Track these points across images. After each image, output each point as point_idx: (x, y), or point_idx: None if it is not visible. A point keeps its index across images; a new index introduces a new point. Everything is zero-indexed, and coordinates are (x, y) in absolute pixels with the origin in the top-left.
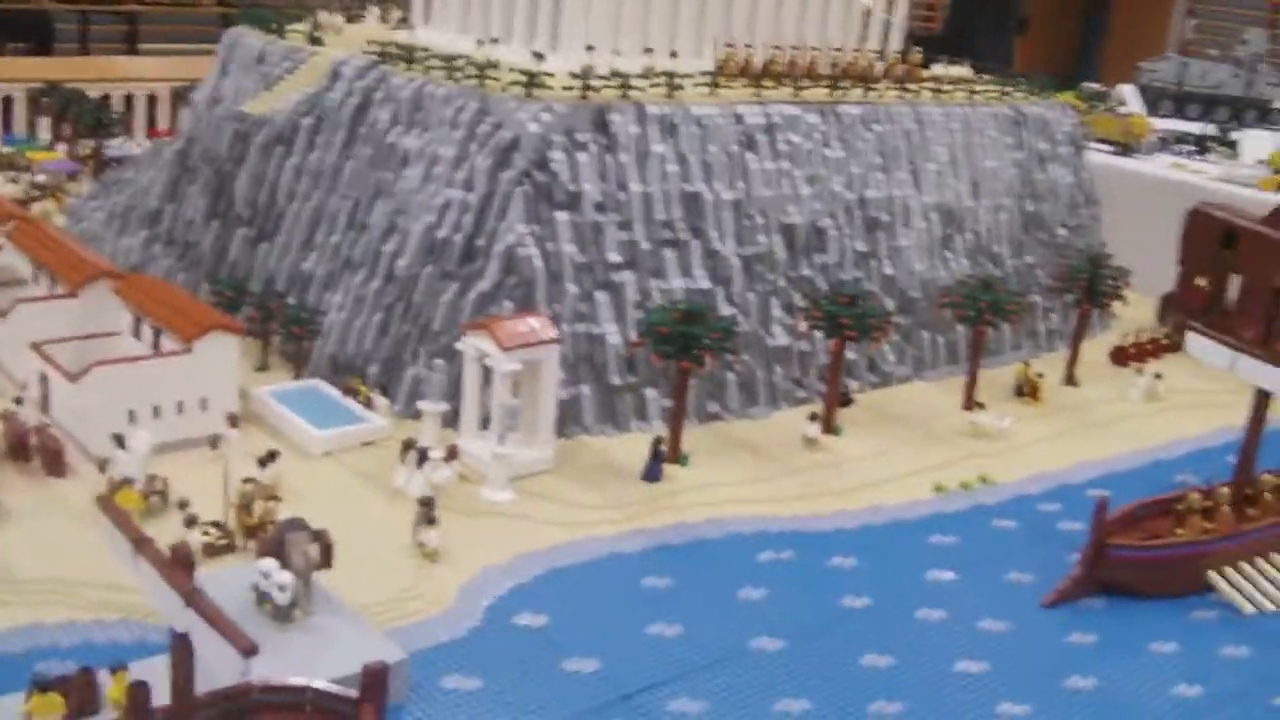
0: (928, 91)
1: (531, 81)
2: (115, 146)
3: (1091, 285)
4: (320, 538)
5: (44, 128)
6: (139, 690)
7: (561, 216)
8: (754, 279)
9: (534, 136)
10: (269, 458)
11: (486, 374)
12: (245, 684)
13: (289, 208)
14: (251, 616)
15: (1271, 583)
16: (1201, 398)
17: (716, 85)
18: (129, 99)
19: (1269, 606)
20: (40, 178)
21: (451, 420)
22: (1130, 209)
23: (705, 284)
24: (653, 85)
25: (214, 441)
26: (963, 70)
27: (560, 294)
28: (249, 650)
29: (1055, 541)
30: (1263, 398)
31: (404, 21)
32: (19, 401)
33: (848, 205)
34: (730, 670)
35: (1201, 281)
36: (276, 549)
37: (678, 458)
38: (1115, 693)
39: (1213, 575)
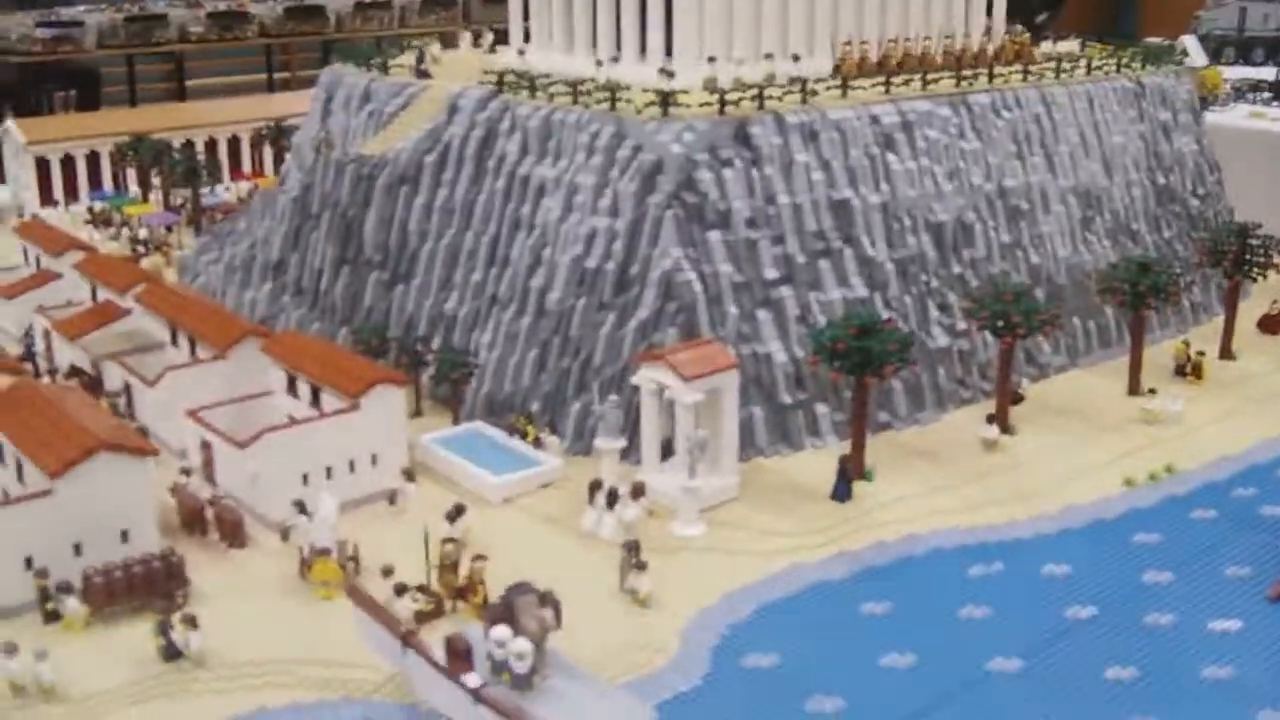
0: (1049, 72)
1: (667, 101)
2: (208, 194)
3: (1241, 255)
4: (548, 599)
5: (131, 180)
6: None
7: (714, 236)
8: (908, 281)
9: (678, 157)
10: (456, 513)
11: (663, 405)
12: None
13: (422, 248)
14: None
15: None
16: None
17: (847, 86)
18: (211, 144)
19: None
20: (142, 232)
21: (626, 455)
22: (1222, 165)
23: (862, 291)
24: (786, 93)
25: (392, 498)
26: (1071, 45)
27: (722, 316)
28: None
29: (1260, 529)
30: None
31: (495, 47)
32: (186, 473)
33: (988, 196)
34: (975, 696)
35: None
36: (507, 615)
37: (862, 473)
38: None
39: None
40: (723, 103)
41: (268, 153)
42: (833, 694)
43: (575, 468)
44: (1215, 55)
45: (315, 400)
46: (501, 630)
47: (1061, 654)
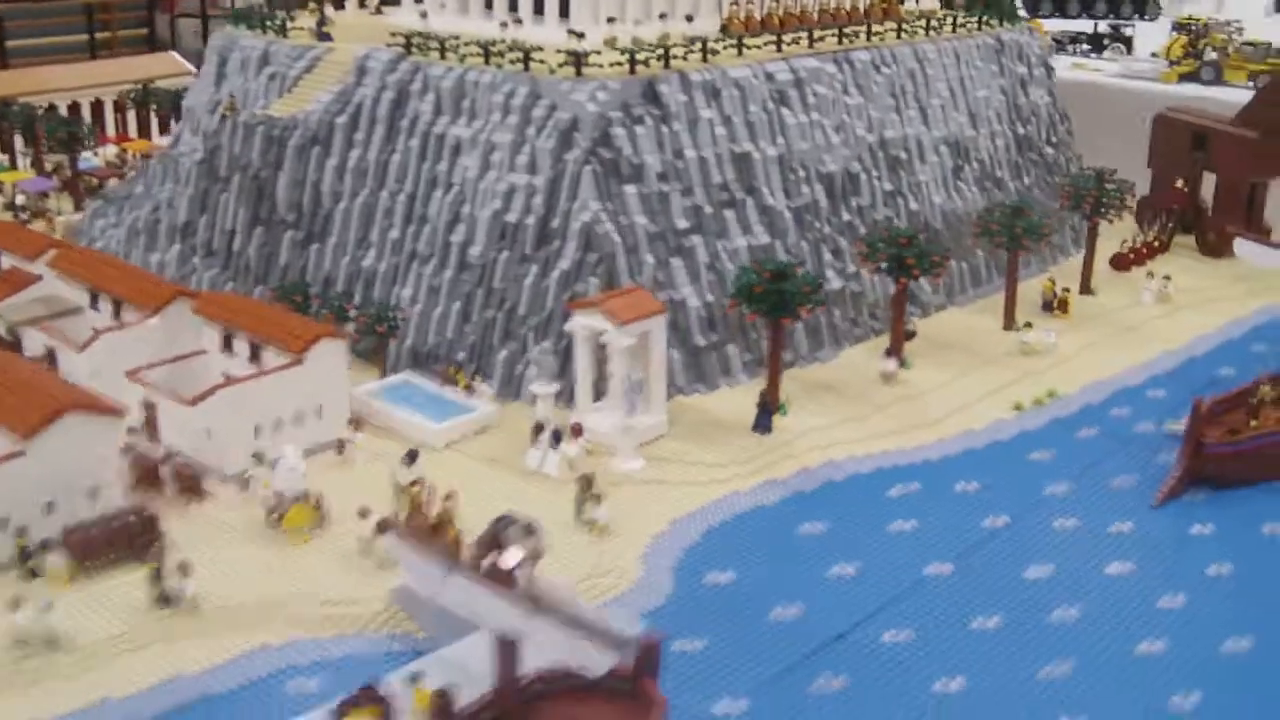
0: (920, 30)
1: (580, 61)
2: (84, 160)
3: (1099, 199)
4: (531, 529)
5: None
6: (443, 698)
7: (629, 190)
8: (804, 228)
9: (593, 115)
10: (411, 457)
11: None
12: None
13: (336, 207)
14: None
15: None
16: (1202, 295)
17: (742, 45)
18: (74, 108)
19: None
20: (19, 199)
21: (559, 397)
22: None
23: (764, 239)
24: (688, 52)
25: (340, 447)
26: (931, 2)
27: (639, 265)
28: (623, 644)
29: (1137, 444)
30: None
31: (381, 8)
32: (133, 432)
33: (871, 148)
34: (920, 597)
35: (1180, 182)
36: (496, 545)
37: (778, 407)
38: (1253, 575)
39: None
40: (633, 62)
41: (132, 116)
42: (793, 603)
43: (507, 413)
44: (1033, 8)
45: (254, 357)
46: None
47: (986, 558)
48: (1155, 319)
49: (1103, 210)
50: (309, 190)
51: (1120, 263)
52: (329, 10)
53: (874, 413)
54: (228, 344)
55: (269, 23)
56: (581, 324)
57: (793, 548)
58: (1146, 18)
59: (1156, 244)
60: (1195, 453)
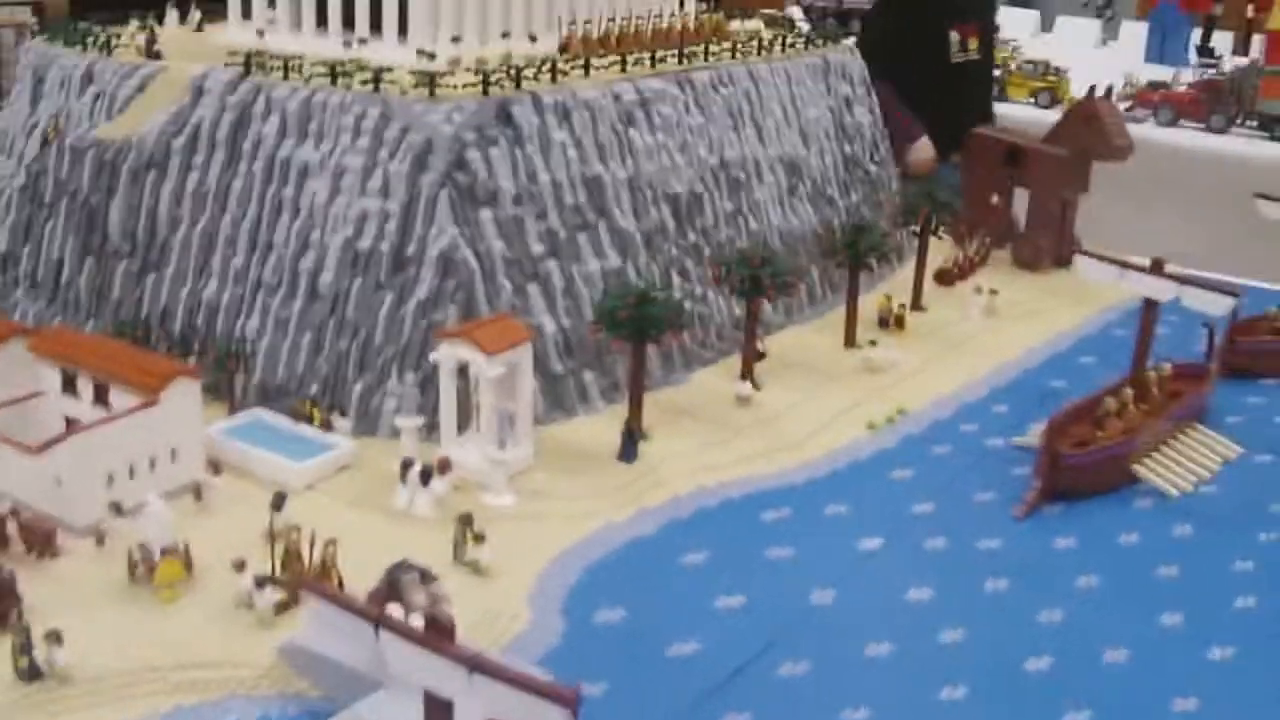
0: (754, 50)
1: (434, 82)
2: None
3: (931, 215)
4: (428, 576)
5: None
6: None
7: (485, 214)
8: (653, 250)
9: (448, 137)
10: (280, 500)
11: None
12: None
13: (174, 235)
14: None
15: (1182, 467)
16: (1025, 308)
17: (589, 66)
18: None
19: (1186, 488)
20: None
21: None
22: None
23: (617, 262)
24: (538, 73)
25: (198, 492)
26: (756, 23)
27: (496, 291)
28: (572, 700)
29: (990, 459)
30: (1150, 305)
31: (203, 25)
32: None
33: (713, 169)
34: (810, 626)
35: (995, 199)
36: (393, 595)
37: (639, 434)
38: (1118, 585)
39: (1137, 468)
40: (486, 83)
41: None
42: (687, 639)
43: (366, 448)
44: (817, 25)
45: (100, 399)
46: (392, 611)
47: (866, 582)
48: (985, 333)
49: (934, 227)
50: (144, 217)
51: (945, 278)
52: (156, 27)
53: (735, 436)
54: (70, 384)
55: (91, 39)
56: (447, 354)
57: (677, 580)
58: None
59: (977, 259)
60: (1053, 465)
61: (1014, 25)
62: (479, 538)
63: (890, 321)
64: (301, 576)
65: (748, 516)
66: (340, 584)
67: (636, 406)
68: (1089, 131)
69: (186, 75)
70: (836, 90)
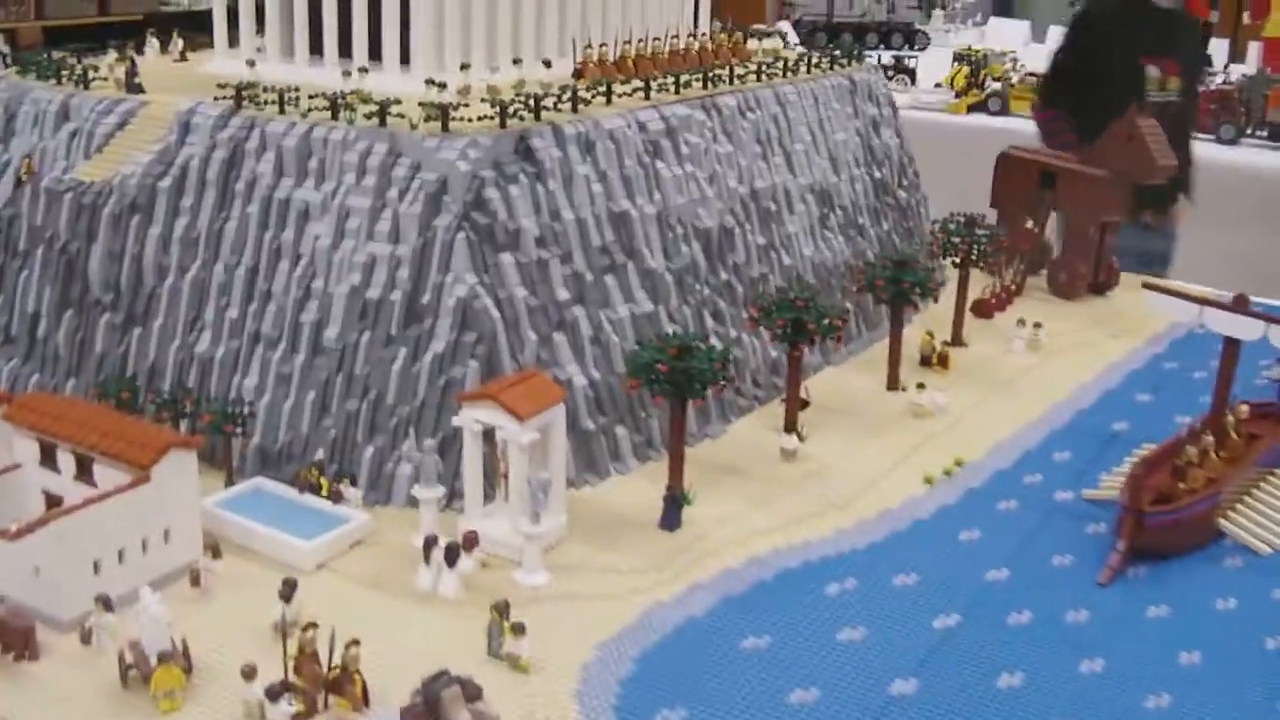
0: (778, 73)
1: (447, 114)
2: None
3: (973, 246)
4: (468, 686)
5: None
6: None
7: (506, 259)
8: (685, 291)
9: (464, 175)
10: (289, 589)
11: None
12: None
13: (162, 284)
14: None
15: (1269, 520)
16: (1068, 340)
17: (611, 94)
18: None
19: (1278, 544)
20: None
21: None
22: None
23: (648, 306)
24: (558, 102)
25: (195, 578)
26: (774, 42)
27: (520, 343)
28: None
29: (1059, 514)
30: (1231, 344)
31: (186, 54)
32: None
33: (743, 200)
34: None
35: (1030, 224)
36: (435, 713)
37: (683, 499)
38: (1224, 658)
39: (1224, 524)
40: (503, 114)
41: None
42: None
43: (378, 519)
44: (807, 40)
45: (82, 472)
46: None
47: (948, 668)
48: (1031, 369)
49: (976, 259)
50: (129, 265)
51: (984, 309)
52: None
53: (783, 494)
54: (49, 457)
55: (66, 71)
56: (471, 418)
57: (740, 671)
58: (917, 48)
59: (1014, 288)
60: (1137, 525)
61: (1006, 36)
62: (517, 629)
63: (933, 360)
64: (319, 680)
65: (809, 591)
66: (364, 691)
67: (677, 466)
68: (1130, 151)
69: (171, 110)
70: (863, 112)
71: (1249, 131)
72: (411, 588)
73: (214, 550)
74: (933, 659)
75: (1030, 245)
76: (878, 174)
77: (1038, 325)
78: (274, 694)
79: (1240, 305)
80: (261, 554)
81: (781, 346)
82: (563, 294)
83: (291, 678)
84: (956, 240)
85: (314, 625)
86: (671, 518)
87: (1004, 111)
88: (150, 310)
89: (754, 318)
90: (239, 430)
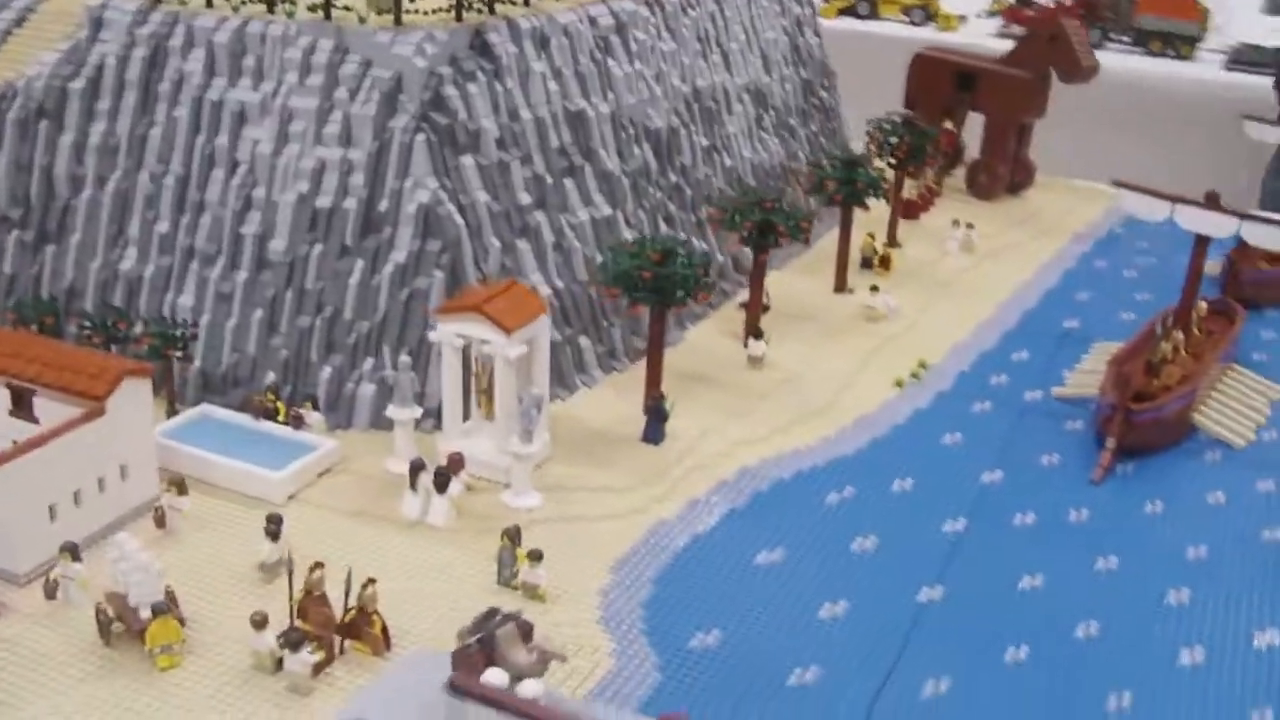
0: None
1: (400, 6)
2: None
3: (913, 147)
4: (521, 622)
5: None
6: None
7: (467, 162)
8: (640, 195)
9: (422, 72)
10: (276, 525)
11: (466, 362)
12: None
13: (78, 197)
14: None
15: (1240, 415)
16: (998, 241)
17: None
18: None
19: (1250, 436)
20: None
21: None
22: None
23: (606, 210)
24: None
25: (160, 518)
26: None
27: (484, 251)
28: None
29: (1033, 414)
30: (1202, 241)
31: None
32: None
33: (686, 99)
34: (931, 633)
35: (949, 124)
36: (492, 655)
37: (667, 412)
38: (1228, 551)
39: (1199, 419)
40: (459, 7)
41: None
42: (805, 663)
43: (341, 445)
44: None
45: (20, 407)
46: (493, 676)
47: (968, 571)
48: (968, 270)
49: (915, 158)
50: (38, 176)
51: (910, 211)
52: None
53: (758, 404)
54: None
55: None
56: (452, 332)
57: (761, 587)
58: None
59: (935, 188)
60: (1127, 422)
61: None
62: (534, 556)
63: (875, 262)
64: (330, 623)
65: (810, 500)
66: (385, 632)
67: (656, 379)
68: (1053, 52)
69: (79, 4)
70: (789, 10)
71: (1115, 36)
72: (396, 516)
73: (179, 486)
74: (952, 565)
75: (950, 146)
76: (803, 74)
77: (970, 226)
78: (294, 642)
79: (1212, 203)
80: (222, 488)
81: (742, 250)
82: (524, 198)
83: (296, 623)
84: (894, 140)
85: (320, 565)
86: (655, 431)
87: (873, 15)
88: (65, 226)
89: (717, 220)
90: (181, 353)
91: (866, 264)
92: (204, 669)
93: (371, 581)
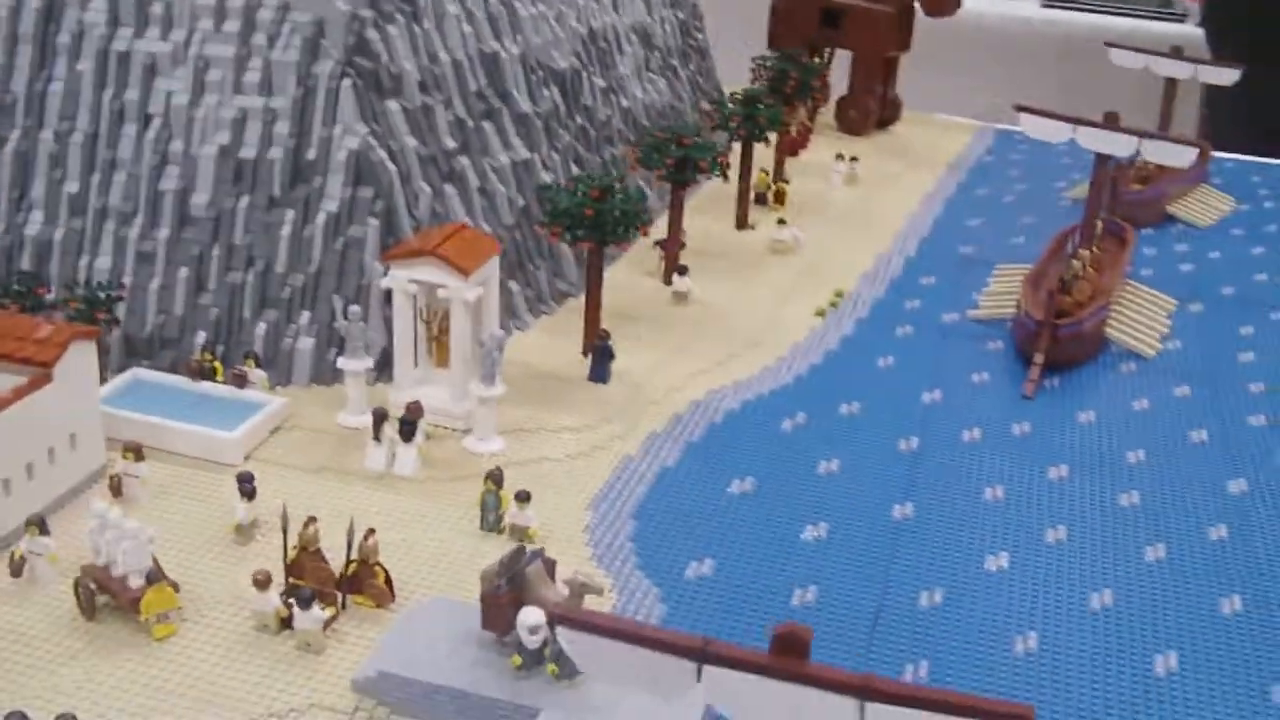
0: None
1: None
2: None
3: (800, 82)
4: (543, 557)
5: None
6: None
7: (393, 106)
8: (552, 137)
9: (344, 14)
10: (249, 483)
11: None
12: None
13: None
14: (531, 692)
15: (1145, 327)
16: (878, 173)
17: None
18: None
19: (1158, 346)
20: None
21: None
22: None
23: (524, 153)
24: None
25: (117, 486)
26: None
27: (414, 197)
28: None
29: (955, 335)
30: (1102, 160)
31: None
32: None
33: (584, 40)
34: (909, 547)
35: (817, 60)
36: (522, 595)
37: (613, 351)
38: (1162, 453)
39: (1111, 333)
40: None
41: None
42: (805, 584)
43: (290, 402)
44: None
45: None
46: (531, 615)
47: (931, 487)
48: (857, 202)
49: (803, 93)
50: None
51: (791, 146)
52: None
53: (696, 340)
54: None
55: None
56: (405, 278)
57: (741, 515)
58: None
59: (809, 125)
60: (1054, 338)
61: None
62: (523, 498)
63: (769, 198)
64: (329, 579)
65: (766, 429)
66: (389, 581)
67: (596, 318)
68: None
69: None
70: None
71: None
72: (360, 470)
73: (135, 453)
74: (917, 482)
75: (821, 83)
76: (680, 15)
77: (854, 159)
78: (305, 599)
79: (1111, 123)
80: (171, 453)
81: (661, 187)
82: (449, 143)
83: (291, 580)
84: (782, 75)
85: (313, 519)
86: (602, 370)
87: None
88: None
89: (638, 159)
90: (108, 316)
91: (760, 200)
92: (204, 635)
93: (372, 532)
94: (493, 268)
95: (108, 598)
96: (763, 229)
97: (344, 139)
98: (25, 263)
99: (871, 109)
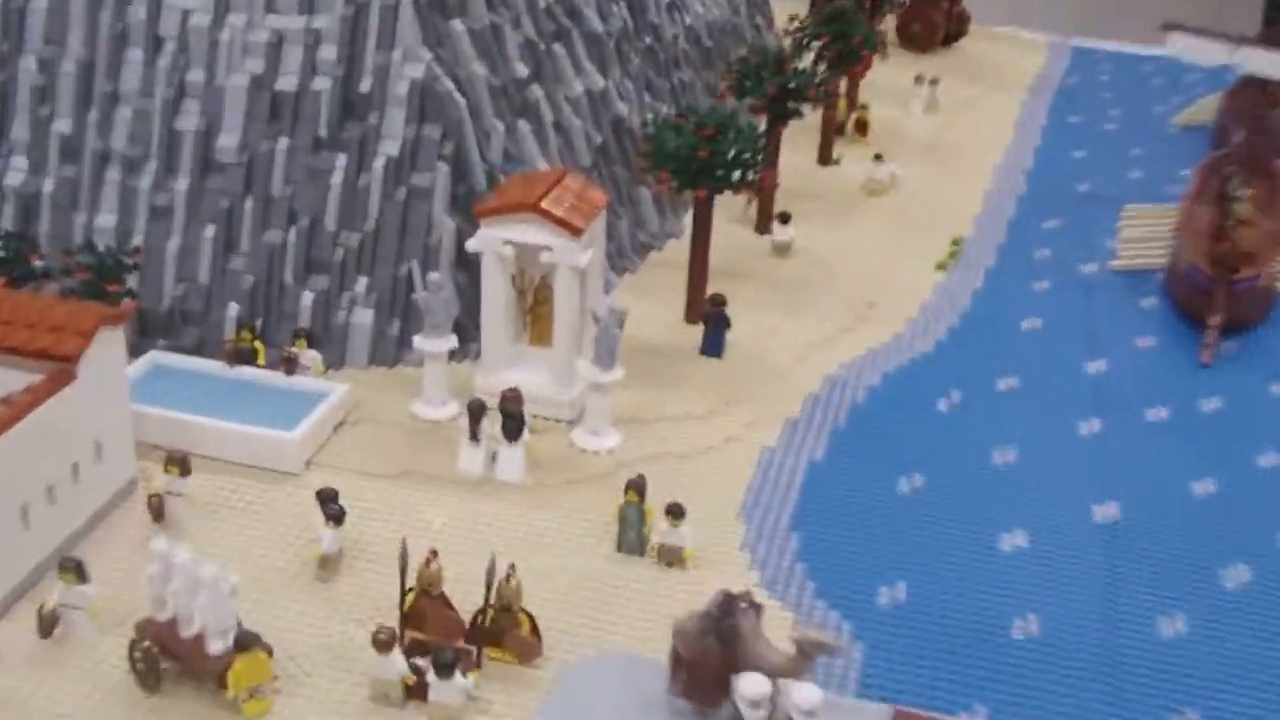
0: None
1: None
2: None
3: (876, 8)
4: (752, 602)
5: None
6: None
7: (458, 26)
8: (623, 61)
9: None
10: (330, 504)
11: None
12: None
13: None
14: None
15: None
16: (957, 97)
17: None
18: None
19: None
20: None
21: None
22: None
23: (599, 81)
24: None
25: (158, 509)
26: None
27: (485, 135)
28: None
29: (1102, 290)
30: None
31: None
32: None
33: None
34: (1120, 551)
35: None
36: (734, 656)
37: (727, 320)
38: None
39: None
40: None
41: None
42: (1022, 614)
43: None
44: None
45: None
46: (753, 683)
47: (1138, 484)
48: (943, 131)
49: (887, 5)
50: None
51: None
52: None
53: (810, 301)
54: None
55: None
56: (496, 238)
57: (923, 522)
58: None
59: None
60: (1231, 297)
61: None
62: (675, 513)
63: (850, 128)
64: (456, 630)
65: (920, 412)
66: (535, 630)
67: (701, 278)
68: None
69: None
70: None
71: None
72: (452, 474)
73: (180, 465)
74: (1115, 476)
75: None
76: None
77: (934, 81)
78: (446, 664)
79: (1276, 35)
80: (215, 459)
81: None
82: (520, 69)
83: (409, 632)
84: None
85: (435, 555)
86: (717, 342)
87: None
88: None
89: (729, 89)
90: (125, 287)
91: (840, 130)
92: (306, 711)
93: (513, 569)
94: (601, 224)
95: (169, 662)
96: (848, 164)
97: (404, 66)
98: (6, 222)
99: (938, 22)
